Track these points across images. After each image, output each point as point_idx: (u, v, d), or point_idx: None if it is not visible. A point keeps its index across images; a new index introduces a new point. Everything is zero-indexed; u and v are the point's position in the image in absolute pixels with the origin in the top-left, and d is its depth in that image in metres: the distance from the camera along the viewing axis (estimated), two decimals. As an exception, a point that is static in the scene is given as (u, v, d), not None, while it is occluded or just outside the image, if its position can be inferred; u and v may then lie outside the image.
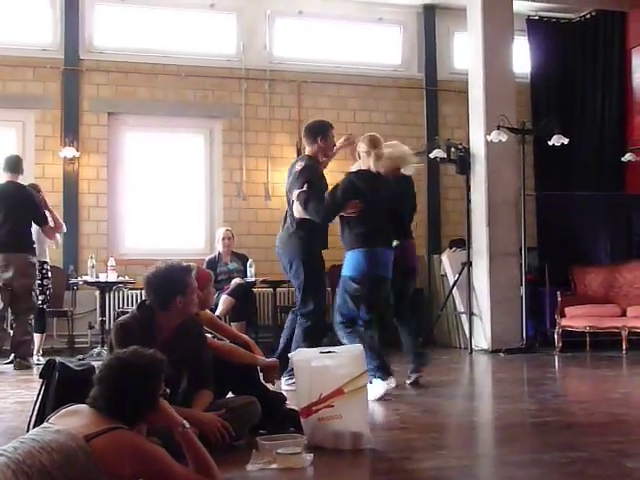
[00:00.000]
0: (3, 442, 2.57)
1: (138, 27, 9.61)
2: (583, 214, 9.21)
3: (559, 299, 8.39)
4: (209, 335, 4.09)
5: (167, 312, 3.55)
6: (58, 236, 7.89)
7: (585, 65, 10.58)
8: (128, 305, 8.77)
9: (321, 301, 5.70)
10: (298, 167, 5.72)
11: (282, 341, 5.82)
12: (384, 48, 10.48)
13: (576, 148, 9.82)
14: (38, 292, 7.51)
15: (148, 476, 2.48)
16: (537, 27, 10.58)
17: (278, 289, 9.02)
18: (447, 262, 9.25)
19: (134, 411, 2.55)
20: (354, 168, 5.58)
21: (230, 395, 4.03)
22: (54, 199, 8.49)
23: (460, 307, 8.92)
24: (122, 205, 9.50)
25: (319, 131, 5.86)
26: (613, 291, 8.74)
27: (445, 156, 8.84)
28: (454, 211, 10.08)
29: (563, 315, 8.37)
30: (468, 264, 8.62)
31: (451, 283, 8.94)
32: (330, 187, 5.62)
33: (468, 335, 8.56)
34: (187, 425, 2.69)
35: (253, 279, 8.43)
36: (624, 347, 7.89)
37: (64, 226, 7.86)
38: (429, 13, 10.46)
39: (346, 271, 5.39)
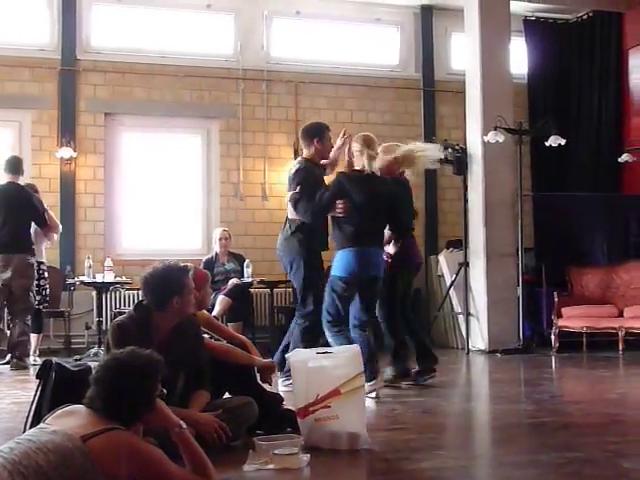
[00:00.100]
0: (0, 443, 2.57)
1: (135, 27, 9.60)
2: (580, 215, 9.22)
3: (556, 299, 8.40)
4: (206, 335, 4.09)
5: (164, 312, 3.55)
6: (55, 236, 7.91)
7: (582, 66, 10.59)
8: (125, 306, 8.76)
9: (320, 302, 5.69)
10: (293, 169, 5.76)
11: (287, 338, 5.82)
12: (381, 48, 10.48)
13: (573, 149, 9.84)
14: (35, 292, 7.51)
15: (145, 476, 2.48)
16: (534, 28, 10.59)
17: (275, 290, 9.02)
18: (444, 262, 9.26)
19: (131, 411, 2.55)
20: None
21: (227, 395, 4.03)
22: (51, 199, 8.48)
23: (457, 307, 8.93)
24: (119, 205, 9.49)
25: (315, 133, 5.86)
26: (610, 292, 8.75)
27: (442, 157, 8.84)
28: (451, 212, 10.08)
29: (560, 316, 8.38)
30: (465, 264, 8.62)
31: (448, 283, 8.95)
32: None
33: (465, 335, 8.56)
34: (184, 425, 2.69)
35: (250, 279, 8.43)
36: (621, 348, 7.90)
37: (60, 226, 7.87)
38: (426, 14, 10.47)
39: (335, 271, 5.39)
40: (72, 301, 8.77)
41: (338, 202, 5.33)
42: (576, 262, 8.99)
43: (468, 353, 8.35)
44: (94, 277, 7.98)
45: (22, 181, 7.61)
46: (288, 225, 5.77)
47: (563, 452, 3.57)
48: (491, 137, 8.13)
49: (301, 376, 3.80)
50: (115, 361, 2.61)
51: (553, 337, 8.31)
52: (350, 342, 5.06)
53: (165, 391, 2.70)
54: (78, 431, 2.40)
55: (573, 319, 8.32)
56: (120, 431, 2.46)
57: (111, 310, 8.74)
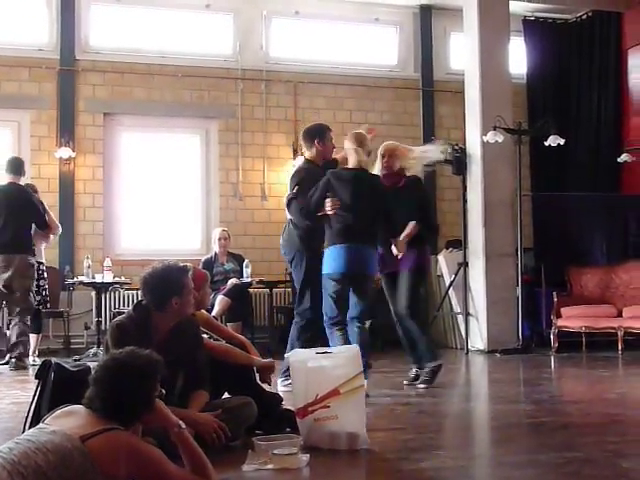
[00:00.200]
0: (-1, 443, 2.57)
1: (134, 27, 9.60)
2: (579, 215, 9.22)
3: (555, 299, 8.40)
4: (205, 336, 4.09)
5: (163, 313, 3.55)
6: (52, 237, 7.92)
7: (581, 66, 10.60)
8: (124, 306, 8.76)
9: (317, 300, 5.68)
10: (293, 171, 5.77)
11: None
12: (380, 48, 10.49)
13: (572, 149, 9.84)
14: (35, 293, 7.51)
15: (144, 477, 2.48)
16: (533, 28, 10.60)
17: (274, 290, 9.02)
18: (443, 262, 9.26)
19: (130, 412, 2.55)
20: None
21: (226, 395, 4.03)
22: (50, 199, 8.48)
23: (456, 307, 8.93)
24: (118, 205, 9.49)
25: (316, 134, 5.86)
26: (609, 291, 8.75)
27: (443, 155, 8.84)
28: (450, 212, 10.07)
29: (559, 315, 8.38)
30: (464, 264, 8.62)
31: (447, 283, 8.95)
32: None
33: (464, 335, 8.56)
34: (183, 426, 2.69)
35: (249, 279, 8.43)
36: (620, 347, 7.90)
37: (60, 227, 7.87)
38: (425, 13, 10.48)
39: (325, 268, 5.40)
40: (71, 301, 8.77)
41: (327, 200, 5.35)
42: (575, 262, 8.99)
43: (467, 353, 8.35)
44: (93, 277, 7.98)
45: (22, 181, 7.62)
46: (292, 224, 5.79)
47: (562, 452, 3.57)
48: (490, 137, 8.13)
49: (300, 376, 3.80)
50: (114, 361, 2.61)
51: (552, 337, 8.31)
52: (347, 342, 5.06)
53: (164, 391, 2.69)
54: (77, 431, 2.40)
55: (572, 319, 8.32)
56: (119, 431, 2.46)
57: (110, 310, 8.74)
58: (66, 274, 8.63)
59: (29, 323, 7.41)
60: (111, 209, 9.41)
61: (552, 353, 8.14)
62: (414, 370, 5.89)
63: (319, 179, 5.65)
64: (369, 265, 5.43)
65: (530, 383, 6.48)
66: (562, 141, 8.40)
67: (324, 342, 5.36)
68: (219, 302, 7.99)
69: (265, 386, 4.15)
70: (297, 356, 3.96)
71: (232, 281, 8.26)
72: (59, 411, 2.56)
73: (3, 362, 7.33)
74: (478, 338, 8.50)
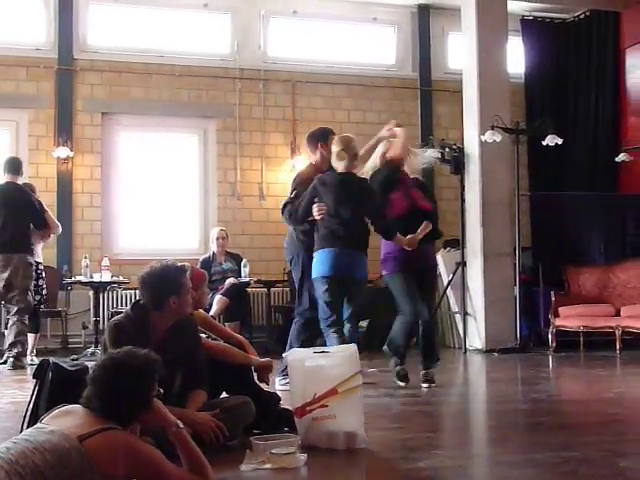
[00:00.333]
0: (-4, 442, 2.57)
1: (132, 27, 9.60)
2: (577, 214, 9.22)
3: (553, 299, 8.41)
4: (203, 335, 4.08)
5: (161, 312, 3.55)
6: (51, 236, 7.92)
7: (579, 65, 10.60)
8: (122, 305, 8.76)
9: (316, 301, 5.68)
10: (295, 175, 5.81)
11: None
12: (378, 48, 10.49)
13: (570, 148, 9.84)
14: (33, 292, 7.51)
15: (142, 476, 2.47)
16: (531, 27, 10.61)
17: (272, 289, 9.03)
18: (441, 262, 9.23)
19: (128, 411, 2.54)
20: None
21: (224, 395, 4.03)
22: (48, 199, 8.46)
23: (454, 307, 8.94)
24: (116, 205, 9.49)
25: (320, 137, 5.85)
26: (607, 291, 8.75)
27: (439, 156, 8.85)
28: (448, 211, 10.03)
29: (557, 315, 8.39)
30: (462, 264, 8.62)
31: (445, 283, 8.94)
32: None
33: (462, 335, 8.57)
34: (181, 425, 2.69)
35: (247, 279, 8.43)
36: (618, 347, 7.91)
37: (59, 227, 7.86)
38: (423, 13, 10.48)
39: (314, 272, 5.42)
40: (69, 301, 8.77)
41: (314, 206, 5.36)
42: (573, 261, 9.00)
43: (465, 352, 8.35)
44: (91, 277, 7.98)
45: (20, 181, 7.62)
46: (292, 228, 5.84)
47: (560, 451, 3.57)
48: (488, 137, 8.14)
49: (298, 375, 3.80)
50: (112, 361, 2.61)
51: (550, 336, 8.32)
52: (344, 343, 5.06)
53: (162, 391, 2.69)
54: (75, 431, 2.40)
55: (570, 318, 8.33)
56: (117, 431, 2.46)
57: (108, 310, 8.71)
58: (64, 273, 8.62)
59: (27, 322, 7.40)
60: (109, 209, 9.40)
61: (550, 352, 8.15)
62: (423, 371, 5.84)
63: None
64: (356, 268, 5.42)
65: (528, 382, 6.48)
66: (560, 141, 8.41)
67: (323, 342, 5.38)
68: (217, 302, 7.99)
69: (263, 385, 4.15)
70: (295, 355, 3.96)
71: (230, 280, 8.25)
72: (57, 411, 2.56)
73: (1, 361, 7.32)
74: (476, 337, 8.50)
